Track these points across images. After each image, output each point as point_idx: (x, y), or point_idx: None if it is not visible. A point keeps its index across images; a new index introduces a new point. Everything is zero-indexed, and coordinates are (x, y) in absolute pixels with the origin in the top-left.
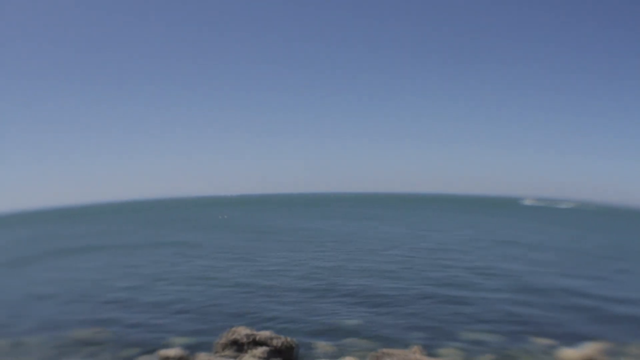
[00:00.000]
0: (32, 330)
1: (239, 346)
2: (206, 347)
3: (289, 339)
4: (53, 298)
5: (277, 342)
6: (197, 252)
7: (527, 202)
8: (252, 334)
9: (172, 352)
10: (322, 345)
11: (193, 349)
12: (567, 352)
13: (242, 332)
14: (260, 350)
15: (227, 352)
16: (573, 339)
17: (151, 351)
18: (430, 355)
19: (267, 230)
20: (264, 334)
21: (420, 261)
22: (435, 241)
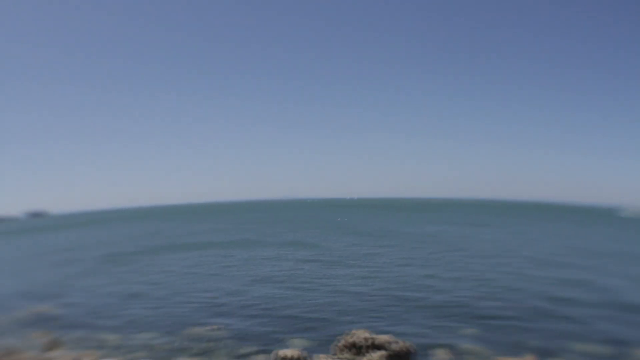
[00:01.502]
0: (144, 326)
1: (357, 349)
2: (323, 349)
3: (407, 343)
4: (164, 294)
5: (396, 346)
6: (312, 253)
7: (628, 213)
8: (370, 337)
9: (289, 352)
10: (439, 352)
11: (310, 350)
12: None
13: (361, 335)
14: (379, 354)
15: (345, 355)
16: None
17: (267, 350)
18: None
19: (383, 234)
20: (382, 337)
21: (530, 272)
22: (546, 252)
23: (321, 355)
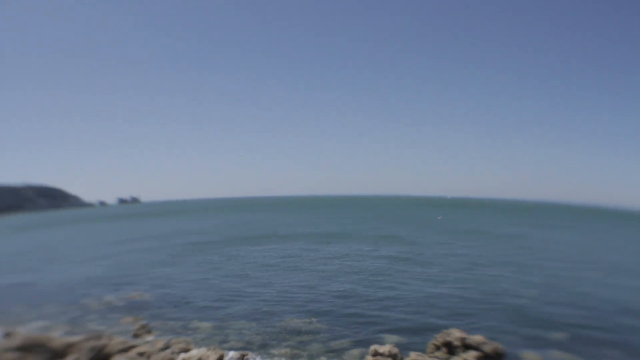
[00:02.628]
0: (237, 316)
1: (450, 348)
2: (416, 346)
3: (498, 344)
4: (257, 284)
5: (487, 347)
6: (408, 249)
7: None
8: (464, 337)
9: (384, 348)
10: (529, 355)
11: (404, 346)
12: None
13: (455, 334)
14: (472, 354)
15: (439, 354)
16: None
17: (362, 345)
18: None
19: (477, 234)
20: (476, 338)
21: (616, 280)
22: (630, 259)
23: (415, 353)
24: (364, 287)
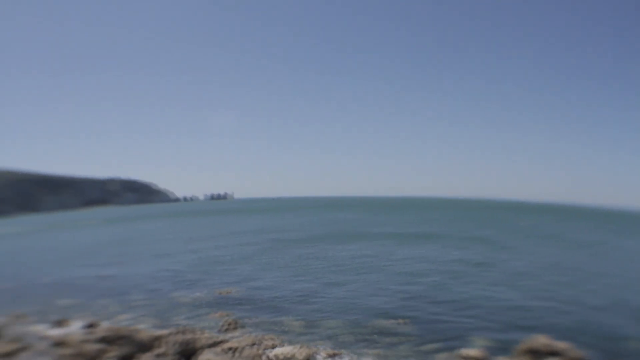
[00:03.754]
0: (328, 315)
1: (536, 355)
2: (503, 351)
3: (583, 353)
4: (348, 283)
5: (572, 354)
6: (499, 254)
7: None
8: (550, 344)
9: (472, 352)
10: None
11: (492, 350)
12: None
13: (541, 341)
14: None
15: (524, 359)
16: None
17: (450, 348)
18: None
19: (562, 241)
20: (561, 345)
21: None
22: None
23: (503, 357)
24: (450, 288)
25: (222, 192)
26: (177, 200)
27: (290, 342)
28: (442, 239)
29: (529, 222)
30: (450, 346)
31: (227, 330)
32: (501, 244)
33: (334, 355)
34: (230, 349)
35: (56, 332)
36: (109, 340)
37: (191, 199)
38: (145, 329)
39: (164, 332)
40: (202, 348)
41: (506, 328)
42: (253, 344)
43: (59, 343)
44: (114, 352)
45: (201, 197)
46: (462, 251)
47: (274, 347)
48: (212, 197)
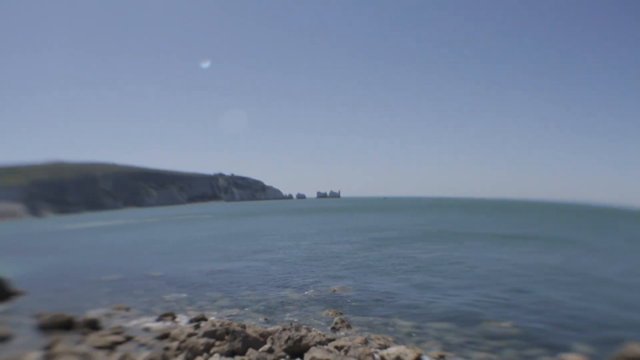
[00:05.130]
0: (436, 316)
1: None
2: (602, 357)
3: None
4: (456, 284)
5: None
6: (604, 258)
7: None
8: None
9: (571, 357)
10: None
11: (593, 357)
12: None
13: (636, 349)
14: None
15: None
16: None
17: (551, 354)
18: None
19: None
20: None
21: None
22: None
23: None
24: (555, 293)
25: (330, 191)
26: (286, 197)
27: (399, 342)
28: (537, 241)
29: (626, 226)
30: (551, 350)
31: (335, 328)
32: (597, 248)
33: (441, 357)
34: (339, 347)
35: (161, 326)
36: (216, 335)
37: (300, 197)
38: (254, 324)
39: (273, 328)
40: (311, 345)
41: (603, 332)
42: (362, 343)
43: (164, 336)
44: (222, 347)
45: (310, 195)
46: (556, 254)
47: (382, 347)
48: (321, 195)
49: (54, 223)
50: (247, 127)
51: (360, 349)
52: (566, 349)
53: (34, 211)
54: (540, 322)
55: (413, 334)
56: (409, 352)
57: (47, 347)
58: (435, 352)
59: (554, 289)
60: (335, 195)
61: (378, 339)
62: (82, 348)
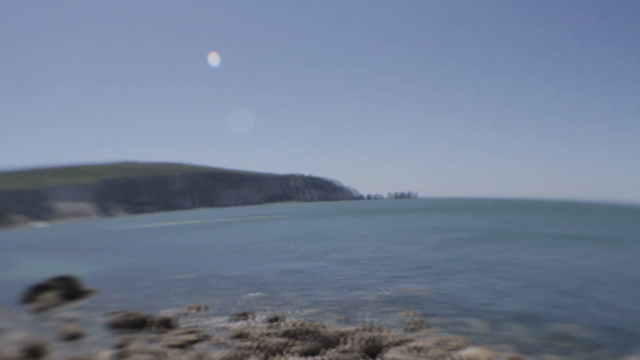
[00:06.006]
0: (511, 317)
1: None
2: None
3: None
4: (524, 285)
5: None
6: None
7: None
8: None
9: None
10: None
11: None
12: None
13: None
14: None
15: None
16: None
17: (621, 356)
18: None
19: None
20: None
21: None
22: None
23: None
24: (620, 295)
25: (406, 191)
26: (360, 197)
27: (472, 344)
28: (599, 242)
29: None
30: (619, 353)
31: (413, 329)
32: None
33: (514, 359)
34: (415, 348)
35: (237, 325)
36: (292, 334)
37: (375, 197)
38: (329, 324)
39: (350, 328)
40: (388, 346)
41: None
42: (438, 344)
43: (240, 336)
44: (298, 346)
45: (385, 196)
46: (619, 255)
47: (457, 348)
48: (396, 196)
49: (125, 222)
50: (321, 126)
51: (436, 350)
52: (634, 352)
53: (105, 210)
54: (607, 325)
55: (486, 335)
56: (483, 354)
57: (120, 346)
58: (509, 354)
59: (618, 291)
60: (410, 196)
61: (452, 340)
62: (156, 347)
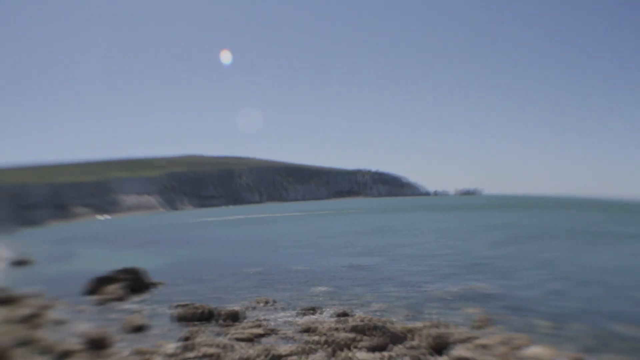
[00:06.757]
0: (575, 317)
1: None
2: None
3: None
4: (600, 285)
5: None
6: None
7: None
8: None
9: None
10: None
11: None
12: None
13: None
14: None
15: None
16: None
17: None
18: None
19: None
20: None
21: None
22: None
23: None
24: None
25: (472, 188)
26: (426, 194)
27: (537, 342)
28: None
29: None
30: None
31: (479, 326)
32: None
33: (578, 359)
34: (481, 345)
35: (304, 319)
36: (360, 330)
37: (441, 194)
38: (397, 320)
39: (417, 324)
40: (454, 343)
41: None
42: (502, 342)
43: (307, 330)
44: (366, 342)
45: (451, 192)
46: None
47: (522, 346)
48: (462, 192)
49: (191, 216)
50: (388, 121)
51: (501, 348)
52: None
53: (171, 204)
54: None
55: (549, 334)
56: (546, 353)
57: (186, 338)
58: (572, 354)
59: None
60: (476, 192)
61: (517, 339)
62: (223, 340)
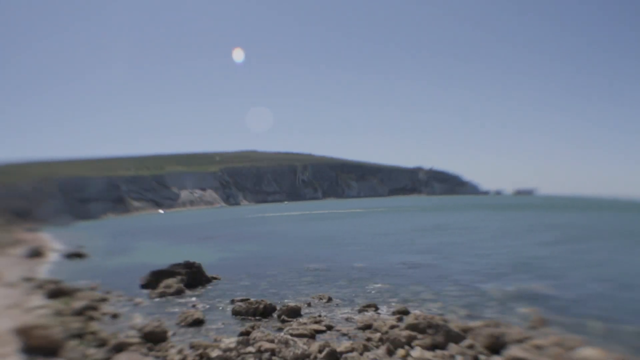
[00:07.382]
0: (629, 318)
1: None
2: None
3: None
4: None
5: None
6: None
7: None
8: None
9: None
10: None
11: None
12: None
13: None
14: None
15: None
16: None
17: None
18: None
19: None
20: None
21: None
22: None
23: None
24: None
25: (528, 187)
26: (483, 192)
27: (590, 344)
28: None
29: None
30: None
31: (535, 327)
32: None
33: None
34: (535, 346)
35: (363, 316)
36: (418, 328)
37: (497, 193)
38: (454, 319)
39: (474, 324)
40: (510, 343)
41: None
42: (556, 344)
43: (366, 327)
44: (423, 340)
45: (508, 191)
46: None
47: (575, 348)
48: (518, 192)
49: (250, 211)
50: (445, 119)
51: (555, 350)
52: None
53: (229, 199)
54: None
55: (602, 336)
56: (599, 355)
57: (244, 333)
58: (625, 356)
59: None
60: (532, 192)
61: (570, 340)
62: (281, 335)
